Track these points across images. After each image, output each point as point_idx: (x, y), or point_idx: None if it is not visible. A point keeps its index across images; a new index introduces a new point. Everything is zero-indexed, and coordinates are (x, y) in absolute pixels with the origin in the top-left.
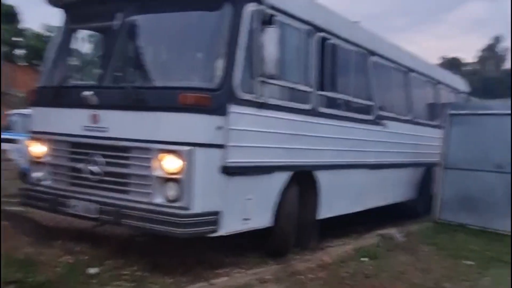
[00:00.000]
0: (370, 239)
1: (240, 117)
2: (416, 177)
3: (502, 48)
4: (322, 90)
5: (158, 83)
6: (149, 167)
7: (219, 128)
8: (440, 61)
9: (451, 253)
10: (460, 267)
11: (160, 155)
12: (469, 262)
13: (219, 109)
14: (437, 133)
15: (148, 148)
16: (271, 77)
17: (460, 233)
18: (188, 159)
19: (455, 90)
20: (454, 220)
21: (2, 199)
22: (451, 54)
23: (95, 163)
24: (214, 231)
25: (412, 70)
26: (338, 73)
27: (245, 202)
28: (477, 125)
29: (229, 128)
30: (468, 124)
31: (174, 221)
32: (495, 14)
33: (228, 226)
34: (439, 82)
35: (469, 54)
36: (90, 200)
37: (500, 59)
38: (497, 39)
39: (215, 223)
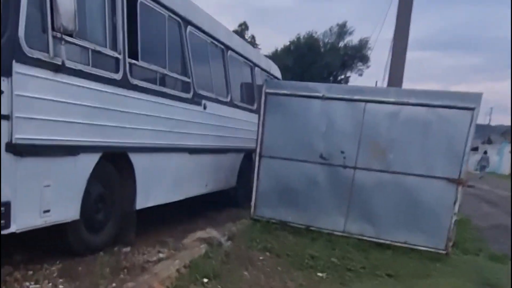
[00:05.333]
0: (194, 248)
1: (30, 80)
2: (236, 164)
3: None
4: (134, 58)
5: None
6: None
7: (1, 92)
8: None
9: (292, 261)
10: (318, 283)
11: None
12: (321, 274)
13: None
14: (255, 118)
15: None
16: (68, 33)
17: (285, 233)
18: None
19: (271, 76)
20: (273, 216)
21: None
22: None
23: None
24: (3, 227)
25: (229, 48)
26: (151, 40)
27: (42, 190)
28: (299, 108)
29: (15, 94)
30: (288, 107)
31: None
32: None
33: (22, 221)
34: (255, 65)
35: None
36: None
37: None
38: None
39: (3, 216)
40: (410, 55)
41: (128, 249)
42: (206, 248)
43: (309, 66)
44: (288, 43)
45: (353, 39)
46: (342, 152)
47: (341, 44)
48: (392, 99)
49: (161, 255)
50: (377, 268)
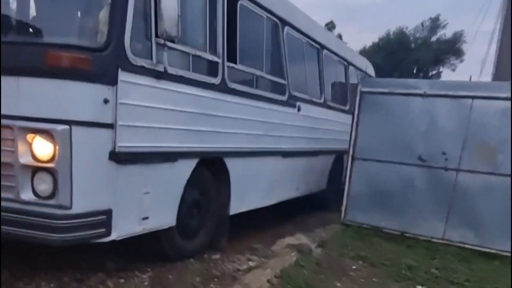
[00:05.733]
0: (285, 256)
1: (133, 88)
2: (327, 167)
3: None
4: (232, 61)
5: (20, 38)
6: (13, 151)
7: (106, 101)
8: None
9: (388, 271)
10: None
11: (27, 136)
12: (420, 287)
13: (105, 76)
14: (348, 119)
15: (9, 125)
16: (171, 39)
17: (378, 239)
18: (63, 141)
19: (365, 75)
20: (364, 221)
21: None
22: None
23: None
24: (104, 235)
25: (324, 47)
26: (249, 42)
27: (141, 197)
28: (397, 107)
29: (119, 102)
30: (385, 106)
31: (48, 224)
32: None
33: (122, 228)
34: (350, 64)
35: None
36: None
37: None
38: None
39: (104, 224)
40: None
41: (217, 255)
42: (297, 256)
43: (399, 63)
44: (376, 40)
45: (446, 33)
46: (444, 153)
47: (434, 38)
48: (504, 95)
49: (251, 263)
50: (484, 281)
